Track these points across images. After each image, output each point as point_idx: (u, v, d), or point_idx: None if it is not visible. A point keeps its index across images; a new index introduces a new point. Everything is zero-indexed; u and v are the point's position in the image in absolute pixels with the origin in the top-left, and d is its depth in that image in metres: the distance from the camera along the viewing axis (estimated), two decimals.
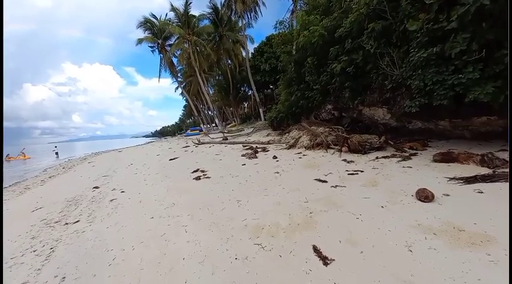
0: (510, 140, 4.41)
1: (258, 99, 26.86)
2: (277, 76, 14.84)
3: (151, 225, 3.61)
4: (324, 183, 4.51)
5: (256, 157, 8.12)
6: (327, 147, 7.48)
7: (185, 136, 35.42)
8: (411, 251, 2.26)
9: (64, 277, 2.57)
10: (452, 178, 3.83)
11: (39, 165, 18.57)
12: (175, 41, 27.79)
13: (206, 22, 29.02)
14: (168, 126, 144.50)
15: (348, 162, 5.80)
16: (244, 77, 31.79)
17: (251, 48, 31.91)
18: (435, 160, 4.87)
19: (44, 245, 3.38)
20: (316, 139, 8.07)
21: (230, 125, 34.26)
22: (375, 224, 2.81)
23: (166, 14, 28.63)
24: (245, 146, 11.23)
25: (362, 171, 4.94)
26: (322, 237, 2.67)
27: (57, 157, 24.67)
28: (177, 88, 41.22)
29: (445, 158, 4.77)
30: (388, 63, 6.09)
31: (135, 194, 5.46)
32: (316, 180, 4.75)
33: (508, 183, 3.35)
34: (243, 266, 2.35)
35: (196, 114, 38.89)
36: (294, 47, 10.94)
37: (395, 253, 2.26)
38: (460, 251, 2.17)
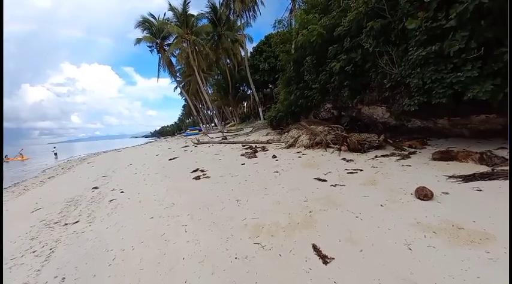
0: (510, 139, 4.42)
1: (257, 99, 26.85)
2: (276, 76, 14.83)
3: (151, 225, 3.60)
4: (323, 182, 4.51)
5: (256, 157, 8.12)
6: (326, 146, 7.48)
7: (184, 136, 35.41)
8: (410, 249, 2.26)
9: (64, 278, 2.56)
10: (451, 177, 3.84)
11: (38, 165, 18.53)
12: (173, 40, 27.75)
13: (205, 21, 29.01)
14: (167, 125, 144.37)
15: (347, 161, 5.81)
16: (243, 76, 31.75)
17: (250, 47, 31.93)
18: (434, 159, 4.87)
19: (43, 246, 3.38)
20: (315, 138, 8.07)
21: (229, 125, 34.26)
22: (374, 223, 2.81)
23: (165, 14, 28.63)
24: (244, 146, 11.23)
25: (361, 170, 4.95)
26: (322, 236, 2.67)
27: (56, 157, 24.61)
28: (176, 88, 41.20)
29: (444, 156, 4.78)
30: (387, 61, 6.09)
31: (134, 194, 5.46)
32: (315, 179, 4.75)
33: (507, 181, 3.36)
34: (243, 265, 2.35)
35: (195, 113, 38.85)
36: (292, 46, 10.94)
37: (394, 252, 2.26)
38: (459, 249, 2.18)
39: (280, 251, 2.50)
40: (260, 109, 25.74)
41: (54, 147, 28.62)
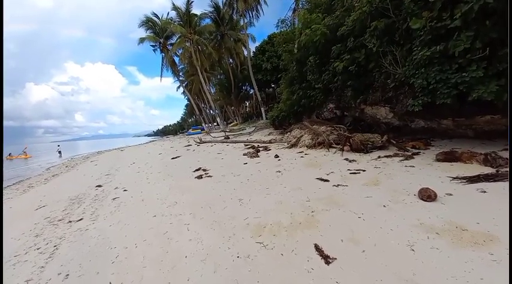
0: (510, 139, 4.38)
1: (259, 98, 26.86)
2: (279, 75, 14.80)
3: (154, 223, 3.63)
4: (325, 182, 4.50)
5: (258, 156, 8.13)
6: (329, 146, 7.46)
7: (187, 135, 35.52)
8: (413, 250, 2.25)
9: (68, 275, 2.59)
10: (455, 178, 3.81)
11: (43, 164, 18.71)
12: (176, 40, 27.84)
13: (208, 21, 29.12)
14: (170, 125, 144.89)
15: (350, 161, 5.79)
16: (245, 76, 31.79)
17: (253, 47, 31.95)
18: (438, 160, 4.84)
19: (47, 243, 3.42)
20: (318, 138, 8.05)
21: (232, 124, 34.29)
22: (377, 223, 2.80)
23: (168, 13, 28.76)
24: (247, 145, 11.24)
25: (364, 170, 4.93)
26: (324, 236, 2.67)
27: (60, 156, 24.84)
28: (178, 87, 41.35)
29: (448, 157, 4.74)
30: (391, 61, 6.06)
31: (137, 192, 5.50)
32: (318, 179, 4.74)
33: None
34: (245, 264, 2.36)
35: (197, 113, 38.97)
36: (295, 46, 10.90)
37: (397, 252, 2.26)
38: (462, 250, 2.16)
39: (282, 250, 2.50)
40: (262, 109, 25.75)
41: (59, 146, 28.87)
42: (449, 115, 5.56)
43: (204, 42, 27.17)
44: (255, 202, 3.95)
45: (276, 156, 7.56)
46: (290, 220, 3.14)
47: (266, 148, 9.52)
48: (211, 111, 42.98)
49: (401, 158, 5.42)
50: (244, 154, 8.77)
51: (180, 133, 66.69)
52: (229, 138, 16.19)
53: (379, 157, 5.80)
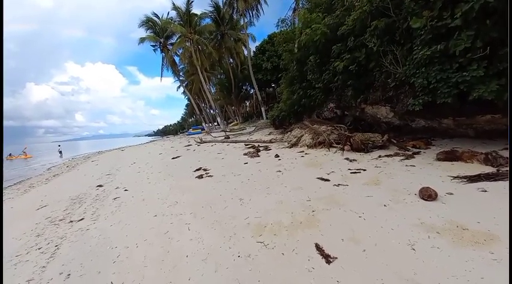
0: (510, 139, 4.38)
1: (259, 98, 26.85)
2: (279, 75, 14.79)
3: (155, 223, 3.64)
4: (326, 182, 4.50)
5: (258, 156, 8.13)
6: (329, 145, 7.46)
7: (187, 135, 35.53)
8: (414, 249, 2.25)
9: (69, 274, 2.60)
10: (455, 177, 3.81)
11: (44, 163, 18.74)
12: (177, 39, 27.81)
13: (208, 21, 29.08)
14: (170, 125, 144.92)
15: (351, 161, 5.79)
16: (246, 76, 31.76)
17: (253, 46, 31.94)
18: (438, 159, 4.84)
19: (48, 243, 3.43)
20: (318, 138, 8.05)
21: (232, 124, 34.28)
22: (377, 222, 2.81)
23: (168, 13, 28.72)
24: (247, 145, 11.25)
25: (365, 170, 4.93)
26: (325, 235, 2.68)
27: (61, 156, 24.88)
28: (179, 87, 41.31)
29: (449, 157, 4.74)
30: (391, 61, 6.05)
31: (138, 192, 5.50)
32: (318, 178, 4.74)
33: None
34: (246, 264, 2.36)
35: (198, 112, 38.96)
36: (296, 45, 10.90)
37: (398, 252, 2.26)
38: (463, 250, 2.17)
39: (283, 250, 2.51)
40: (263, 109, 25.74)
41: (59, 146, 28.91)
42: (449, 114, 5.55)
43: (204, 41, 27.15)
44: (256, 201, 3.96)
45: (277, 156, 7.57)
46: (291, 219, 3.14)
47: (266, 148, 9.52)
48: (212, 111, 43.01)
49: (401, 157, 5.42)
50: (244, 154, 8.77)
51: (181, 133, 66.72)
52: (229, 137, 16.19)
53: (379, 156, 5.80)
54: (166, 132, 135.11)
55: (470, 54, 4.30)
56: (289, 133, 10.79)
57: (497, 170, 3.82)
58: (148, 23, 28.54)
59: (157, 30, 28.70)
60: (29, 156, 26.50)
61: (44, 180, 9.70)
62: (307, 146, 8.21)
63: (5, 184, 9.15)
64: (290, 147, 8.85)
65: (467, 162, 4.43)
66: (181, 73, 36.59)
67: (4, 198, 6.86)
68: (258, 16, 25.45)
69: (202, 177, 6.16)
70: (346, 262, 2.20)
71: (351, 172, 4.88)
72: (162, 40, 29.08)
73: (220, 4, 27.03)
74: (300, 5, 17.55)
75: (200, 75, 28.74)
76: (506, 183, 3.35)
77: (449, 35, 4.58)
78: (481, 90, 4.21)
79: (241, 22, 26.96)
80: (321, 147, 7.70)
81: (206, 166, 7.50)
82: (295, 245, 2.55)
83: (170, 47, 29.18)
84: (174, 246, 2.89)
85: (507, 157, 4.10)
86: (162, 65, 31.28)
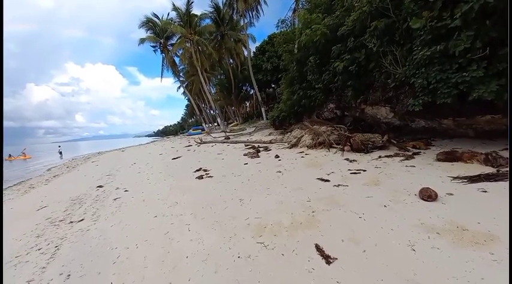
0: (510, 139, 4.38)
1: (259, 98, 26.85)
2: (279, 76, 14.79)
3: (155, 224, 3.64)
4: (326, 182, 4.50)
5: (259, 157, 8.14)
6: (329, 146, 7.46)
7: (187, 135, 35.52)
8: (414, 250, 2.25)
9: (69, 275, 2.60)
10: (455, 177, 3.81)
11: (44, 164, 18.75)
12: (177, 40, 27.86)
13: (208, 21, 29.12)
14: (170, 125, 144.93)
15: (351, 161, 5.79)
16: (246, 76, 31.78)
17: (253, 47, 31.93)
18: (438, 159, 4.84)
19: (49, 244, 3.43)
20: (318, 139, 8.05)
21: (232, 124, 34.29)
22: (377, 223, 2.81)
23: (168, 14, 28.77)
24: (247, 145, 11.25)
25: (365, 170, 4.93)
26: (325, 236, 2.68)
27: (61, 156, 24.88)
28: (179, 87, 41.34)
29: (449, 157, 4.74)
30: (391, 61, 6.05)
31: (138, 193, 5.51)
32: (318, 179, 4.74)
33: None
34: (246, 264, 2.36)
35: (198, 113, 38.96)
36: (296, 46, 10.90)
37: (398, 252, 2.26)
38: (463, 250, 2.17)
39: (283, 250, 2.51)
40: (263, 109, 25.73)
41: (59, 146, 28.92)
42: (449, 115, 5.55)
43: (204, 42, 27.17)
44: (256, 202, 3.96)
45: (277, 156, 7.57)
46: (291, 220, 3.15)
47: (266, 149, 9.53)
48: (212, 111, 43.00)
49: (401, 158, 5.42)
50: (244, 155, 8.78)
51: (181, 133, 66.73)
52: (229, 138, 16.19)
53: (379, 157, 5.80)
54: (166, 132, 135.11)
55: (470, 54, 4.30)
56: (289, 133, 10.79)
57: (497, 170, 3.82)
58: (149, 23, 28.59)
59: (157, 30, 28.74)
60: (28, 157, 26.58)
61: (44, 180, 9.70)
62: (307, 147, 8.21)
63: (5, 185, 9.15)
64: (290, 148, 8.85)
65: (467, 163, 4.43)
66: (181, 74, 36.63)
67: (4, 198, 6.86)
68: (258, 17, 25.49)
69: (202, 178, 6.16)
70: (346, 263, 2.20)
71: (351, 173, 4.88)
72: (162, 41, 29.12)
73: (220, 5, 27.10)
74: (300, 6, 17.57)
75: (200, 75, 28.77)
76: (507, 184, 3.35)
77: (449, 35, 4.58)
78: (481, 91, 4.21)
79: (241, 23, 26.99)
80: (321, 148, 7.70)
81: (206, 166, 7.50)
82: (295, 246, 2.55)
83: (170, 48, 29.22)
84: (174, 247, 2.89)
85: (507, 158, 4.10)
86: (162, 65, 31.34)
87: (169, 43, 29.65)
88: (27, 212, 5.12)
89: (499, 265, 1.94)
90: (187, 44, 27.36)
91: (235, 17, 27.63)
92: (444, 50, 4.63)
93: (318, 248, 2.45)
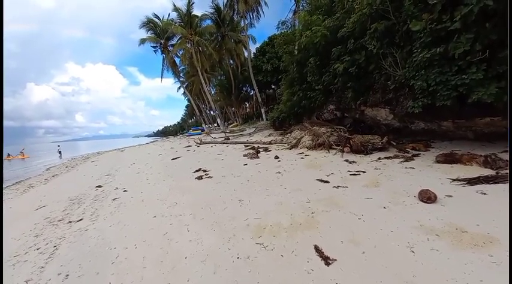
0: (510, 139, 4.38)
1: (259, 99, 26.87)
2: (279, 77, 14.83)
3: (154, 224, 3.63)
4: (325, 183, 4.50)
5: (258, 157, 8.13)
6: (329, 147, 7.47)
7: (187, 136, 35.51)
8: (413, 252, 2.25)
9: (67, 275, 2.60)
10: (455, 179, 3.81)
11: (43, 164, 18.71)
12: (177, 41, 27.89)
13: (208, 22, 29.15)
14: (170, 125, 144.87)
15: (350, 163, 5.79)
16: (246, 77, 31.81)
17: (253, 48, 31.99)
18: (438, 161, 4.84)
19: (47, 243, 3.42)
20: (318, 140, 8.06)
21: (232, 125, 34.29)
22: (377, 224, 2.80)
23: (169, 14, 28.81)
24: (247, 146, 11.24)
25: (364, 172, 4.93)
26: (324, 237, 2.67)
27: (60, 156, 24.84)
28: (179, 88, 41.38)
29: (448, 159, 4.75)
30: (391, 63, 6.07)
31: (137, 193, 5.50)
32: (318, 180, 4.74)
33: None
34: (245, 265, 2.36)
35: (198, 113, 38.97)
36: (296, 47, 10.93)
37: (397, 254, 2.26)
38: (462, 252, 2.17)
39: (282, 251, 2.50)
40: (263, 110, 25.74)
41: (59, 146, 28.89)
42: (449, 117, 5.56)
43: (205, 43, 27.20)
44: (255, 203, 3.96)
45: (276, 157, 7.57)
46: (290, 221, 3.14)
47: (266, 149, 9.52)
48: (212, 112, 43.02)
49: (401, 160, 5.43)
50: (244, 155, 8.77)
51: (180, 134, 66.70)
52: (229, 139, 16.19)
53: (379, 158, 5.81)
54: (166, 132, 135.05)
55: (470, 57, 4.32)
56: (289, 134, 10.80)
57: (497, 173, 3.82)
58: (149, 24, 28.62)
59: (158, 31, 28.76)
60: (26, 157, 26.64)
61: (43, 180, 9.68)
62: (306, 148, 8.21)
63: (4, 184, 9.13)
64: (290, 149, 8.86)
65: (467, 165, 4.44)
66: (181, 75, 36.66)
67: (3, 198, 6.84)
68: (258, 18, 25.55)
69: (201, 178, 6.15)
70: (345, 264, 2.20)
71: (351, 174, 4.88)
72: (162, 41, 29.15)
73: (221, 6, 27.14)
74: (301, 7, 17.63)
75: (200, 76, 28.78)
76: (506, 186, 3.36)
77: (449, 37, 4.59)
78: (481, 93, 4.22)
79: (242, 24, 27.02)
80: (321, 149, 7.70)
81: (206, 167, 7.49)
82: (294, 247, 2.55)
83: (171, 48, 29.25)
84: (173, 247, 2.89)
85: (506, 160, 4.11)
86: (163, 66, 31.35)
87: (169, 43, 29.68)
88: (26, 211, 5.11)
89: (498, 267, 1.94)
90: (187, 45, 27.39)
91: (235, 18, 27.68)
92: (444, 52, 4.64)
93: (317, 249, 2.45)
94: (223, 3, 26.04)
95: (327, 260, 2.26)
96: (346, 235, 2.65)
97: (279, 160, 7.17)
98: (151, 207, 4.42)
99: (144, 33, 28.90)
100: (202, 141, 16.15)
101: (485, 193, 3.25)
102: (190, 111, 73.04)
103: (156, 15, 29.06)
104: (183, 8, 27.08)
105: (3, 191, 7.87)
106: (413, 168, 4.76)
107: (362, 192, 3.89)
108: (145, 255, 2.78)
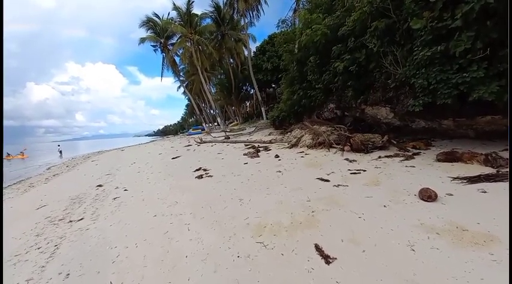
0: (510, 140, 4.38)
1: (260, 98, 26.85)
2: (279, 75, 14.78)
3: (154, 223, 3.64)
4: (326, 182, 4.50)
5: (258, 156, 8.13)
6: (329, 146, 7.46)
7: (187, 135, 35.53)
8: (414, 250, 2.25)
9: (68, 274, 2.60)
10: (455, 178, 3.81)
11: (43, 163, 18.74)
12: (177, 39, 27.86)
13: (208, 21, 29.12)
14: (170, 125, 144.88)
15: (351, 161, 5.79)
16: (246, 76, 31.79)
17: (253, 47, 31.94)
18: (438, 160, 4.84)
19: (48, 243, 3.43)
20: (318, 139, 8.05)
21: (232, 124, 34.30)
22: (377, 223, 2.80)
23: (169, 13, 28.74)
24: (247, 145, 11.24)
25: (364, 170, 4.93)
26: (324, 236, 2.67)
27: (61, 156, 24.86)
28: (179, 87, 41.33)
29: (449, 157, 4.74)
30: (392, 61, 6.05)
31: (138, 192, 5.50)
32: (318, 179, 4.74)
33: None
34: (245, 264, 2.36)
35: (198, 113, 38.97)
36: (296, 46, 10.89)
37: (397, 253, 2.26)
38: (463, 251, 2.16)
39: (282, 250, 2.50)
40: (263, 109, 25.73)
41: (59, 145, 28.91)
42: (449, 115, 5.55)
43: (205, 42, 27.17)
44: (256, 202, 3.96)
45: (277, 156, 7.56)
46: (290, 220, 3.14)
47: (266, 148, 9.52)
48: (212, 111, 43.00)
49: (401, 158, 5.42)
50: (244, 154, 8.77)
51: (181, 133, 66.71)
52: (229, 138, 16.19)
53: (379, 157, 5.80)
54: (166, 132, 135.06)
55: (471, 55, 4.30)
56: (289, 133, 10.79)
57: (497, 171, 3.82)
58: (149, 23, 28.57)
59: (157, 30, 28.72)
60: (25, 156, 26.66)
61: (43, 179, 9.70)
62: (307, 146, 8.20)
63: (4, 184, 9.15)
64: (290, 148, 8.85)
65: (467, 163, 4.43)
66: (181, 74, 36.64)
67: (4, 197, 6.86)
68: (258, 16, 25.47)
69: (202, 177, 6.15)
70: (345, 263, 2.20)
71: (351, 173, 4.88)
72: (162, 40, 29.10)
73: (221, 4, 27.08)
74: (301, 6, 17.58)
75: (200, 75, 28.76)
76: (506, 184, 3.35)
77: (450, 36, 4.58)
78: (481, 91, 4.21)
79: (242, 22, 26.96)
80: (321, 148, 7.69)
81: (206, 166, 7.50)
82: (294, 246, 2.55)
83: (171, 47, 29.22)
84: (173, 246, 2.89)
85: (507, 158, 4.10)
86: (163, 65, 31.33)
87: (169, 42, 29.64)
88: (27, 211, 5.12)
89: (498, 266, 1.94)
90: (187, 44, 27.36)
91: (235, 17, 27.60)
92: (445, 50, 4.62)
93: (318, 248, 2.45)
94: (223, 1, 26.00)
95: (327, 259, 2.26)
96: (347, 234, 2.65)
97: (279, 159, 7.17)
98: (151, 206, 4.42)
99: (144, 32, 28.90)
100: (203, 140, 16.15)
101: (485, 192, 3.24)
102: (190, 110, 73.03)
103: (156, 14, 29.06)
104: (183, 6, 27.07)
105: (4, 190, 7.89)
106: (413, 167, 4.75)
107: (362, 190, 3.89)
108: (145, 254, 2.78)
